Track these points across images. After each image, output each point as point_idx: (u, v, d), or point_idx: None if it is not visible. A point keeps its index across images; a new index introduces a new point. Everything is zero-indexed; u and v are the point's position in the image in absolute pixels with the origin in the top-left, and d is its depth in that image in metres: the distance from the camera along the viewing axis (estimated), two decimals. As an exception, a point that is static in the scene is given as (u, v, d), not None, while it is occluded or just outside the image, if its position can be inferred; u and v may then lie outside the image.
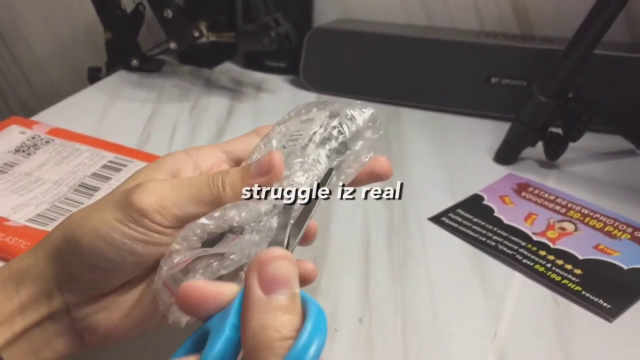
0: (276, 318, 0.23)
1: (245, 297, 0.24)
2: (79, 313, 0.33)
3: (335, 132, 0.35)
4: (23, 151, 0.61)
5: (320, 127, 0.35)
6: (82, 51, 1.08)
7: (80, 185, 0.57)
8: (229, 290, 0.26)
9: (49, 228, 0.50)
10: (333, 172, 0.34)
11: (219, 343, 0.24)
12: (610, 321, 0.44)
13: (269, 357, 0.23)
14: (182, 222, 0.32)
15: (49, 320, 0.33)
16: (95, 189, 0.56)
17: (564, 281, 0.48)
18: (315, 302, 0.25)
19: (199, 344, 0.25)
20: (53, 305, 0.33)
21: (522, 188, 0.61)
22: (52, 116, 0.73)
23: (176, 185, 0.33)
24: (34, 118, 0.71)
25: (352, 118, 0.36)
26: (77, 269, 0.32)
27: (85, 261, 0.32)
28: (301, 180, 0.33)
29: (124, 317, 0.34)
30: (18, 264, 0.34)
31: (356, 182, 0.37)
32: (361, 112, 0.37)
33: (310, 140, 0.35)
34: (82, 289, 0.33)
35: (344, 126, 0.36)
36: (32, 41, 1.12)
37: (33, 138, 0.64)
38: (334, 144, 0.35)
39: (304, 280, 0.36)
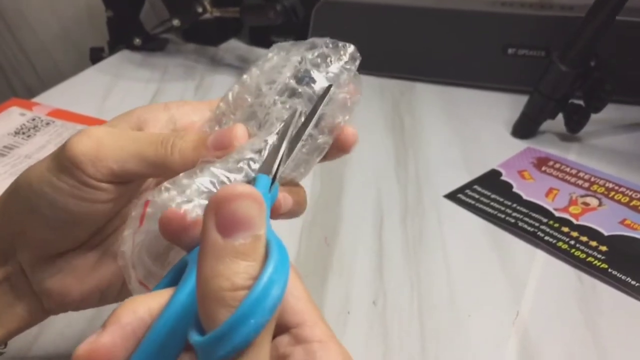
0: (230, 265, 0.20)
1: (201, 239, 0.21)
2: (34, 275, 0.31)
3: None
4: (23, 133, 0.60)
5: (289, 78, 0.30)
6: (86, 32, 1.06)
7: (81, 167, 0.55)
8: None
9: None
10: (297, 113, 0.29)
11: (194, 277, 0.21)
12: (639, 299, 0.42)
13: (219, 309, 0.19)
14: (119, 178, 0.29)
15: (6, 283, 0.31)
16: (97, 171, 0.54)
17: (589, 259, 0.45)
18: (279, 243, 0.21)
19: (179, 277, 0.23)
20: (7, 268, 0.31)
21: (542, 162, 0.58)
22: (53, 97, 0.71)
23: (121, 137, 0.29)
24: (35, 99, 0.70)
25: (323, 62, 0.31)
26: (20, 225, 0.30)
27: (25, 217, 0.30)
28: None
29: (79, 283, 0.32)
30: None
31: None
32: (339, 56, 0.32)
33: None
34: (33, 249, 0.31)
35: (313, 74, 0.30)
36: (35, 24, 1.10)
37: (33, 120, 0.62)
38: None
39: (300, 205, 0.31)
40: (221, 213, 0.20)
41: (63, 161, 0.28)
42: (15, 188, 0.30)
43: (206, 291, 0.20)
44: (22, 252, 0.31)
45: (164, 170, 0.29)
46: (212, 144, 0.29)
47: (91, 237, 0.32)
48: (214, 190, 0.26)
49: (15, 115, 0.62)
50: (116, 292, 0.33)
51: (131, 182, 0.30)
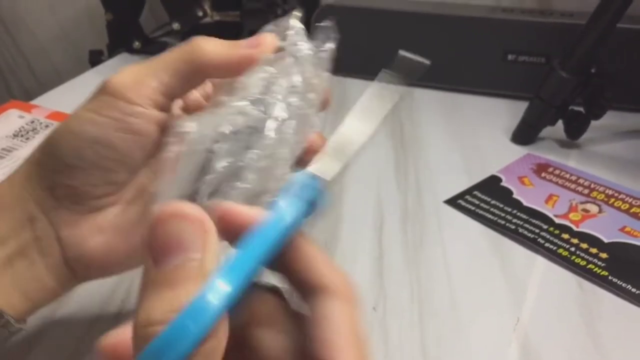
0: (152, 295, 0.17)
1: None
2: (70, 238, 0.30)
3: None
4: (22, 136, 0.59)
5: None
6: (85, 35, 1.06)
7: (80, 169, 0.54)
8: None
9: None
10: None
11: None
12: (639, 306, 0.42)
13: (135, 346, 0.17)
14: (161, 96, 0.29)
15: (35, 251, 0.30)
16: (96, 174, 0.54)
17: (589, 265, 0.45)
18: (238, 270, 0.18)
19: None
20: (37, 229, 0.30)
21: (541, 168, 0.58)
22: (52, 100, 0.71)
23: (152, 61, 0.30)
24: (34, 102, 0.69)
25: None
26: (55, 176, 0.29)
27: (62, 165, 0.29)
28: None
29: (124, 241, 0.30)
30: None
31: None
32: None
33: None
34: (66, 203, 0.30)
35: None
36: (33, 26, 1.10)
37: (32, 122, 0.62)
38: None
39: None
40: (154, 236, 0.18)
41: (104, 98, 0.28)
42: (48, 142, 0.30)
43: (133, 325, 0.18)
44: (57, 211, 0.30)
45: (197, 74, 0.29)
46: (246, 44, 0.29)
47: (134, 178, 0.31)
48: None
49: (14, 118, 0.62)
50: None
51: (168, 101, 0.30)
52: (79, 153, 0.29)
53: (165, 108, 0.30)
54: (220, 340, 0.18)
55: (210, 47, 0.29)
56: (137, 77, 0.29)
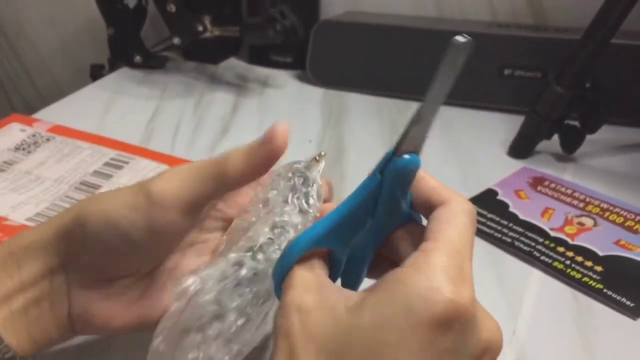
0: None
1: None
2: (80, 298, 0.32)
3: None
4: (23, 149, 0.60)
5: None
6: (86, 49, 1.07)
7: (81, 183, 0.55)
8: None
9: (48, 227, 0.49)
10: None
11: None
12: (634, 319, 0.42)
13: None
14: (188, 204, 0.31)
15: (47, 301, 0.32)
16: (97, 187, 0.54)
17: (585, 279, 0.46)
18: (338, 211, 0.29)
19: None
20: (54, 283, 0.32)
21: (537, 182, 0.59)
22: (53, 114, 0.71)
23: (184, 168, 0.32)
24: (35, 115, 0.70)
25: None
26: (82, 249, 0.32)
27: (90, 243, 0.31)
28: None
29: (125, 310, 0.33)
30: (19, 240, 0.33)
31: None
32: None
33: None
34: (86, 271, 0.32)
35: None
36: (35, 39, 1.11)
37: (34, 136, 0.62)
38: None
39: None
40: None
41: (142, 197, 0.31)
42: (81, 215, 0.32)
43: None
44: (73, 272, 0.32)
45: (222, 181, 0.32)
46: (258, 142, 0.31)
47: (144, 266, 0.33)
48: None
49: (15, 131, 0.63)
50: (153, 324, 0.33)
51: (199, 208, 0.33)
52: (111, 242, 0.31)
53: (193, 213, 0.33)
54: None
55: (231, 164, 0.31)
56: (174, 185, 0.31)
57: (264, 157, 0.31)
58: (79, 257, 0.32)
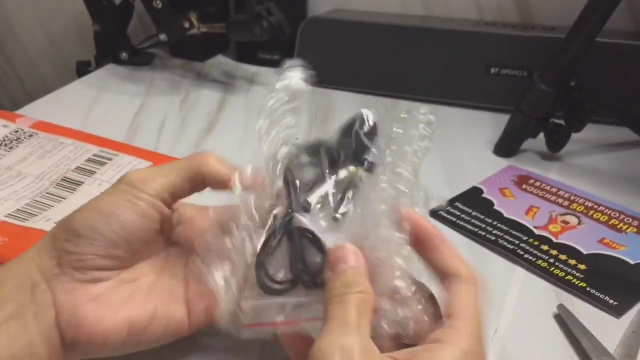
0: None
1: None
2: (66, 303, 0.33)
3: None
4: (5, 145, 0.59)
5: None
6: (74, 47, 1.06)
7: (63, 179, 0.54)
8: None
9: (29, 224, 0.48)
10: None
11: None
12: (618, 318, 0.42)
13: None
14: (167, 193, 0.35)
15: (31, 314, 0.32)
16: (79, 184, 0.54)
17: (568, 277, 0.46)
18: None
19: None
20: (37, 294, 0.32)
21: (523, 180, 0.59)
22: (38, 110, 0.71)
23: (164, 165, 0.37)
24: (20, 112, 0.69)
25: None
26: (64, 245, 0.33)
27: (74, 235, 0.33)
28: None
29: (113, 313, 0.33)
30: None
31: None
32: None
33: None
34: (68, 271, 0.33)
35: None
36: (23, 37, 1.10)
37: (16, 132, 0.62)
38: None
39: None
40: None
41: (121, 185, 0.35)
42: (68, 217, 0.34)
43: None
44: (58, 278, 0.33)
45: (201, 179, 0.36)
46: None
47: (130, 262, 0.35)
48: None
49: (-2, 127, 0.62)
50: (144, 331, 0.34)
51: (176, 198, 0.36)
52: (92, 224, 0.34)
53: (169, 204, 0.36)
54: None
55: (212, 162, 0.36)
56: (150, 174, 0.36)
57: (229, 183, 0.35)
58: (61, 257, 0.33)
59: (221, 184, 0.35)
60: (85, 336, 0.33)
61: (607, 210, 0.54)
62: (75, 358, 0.34)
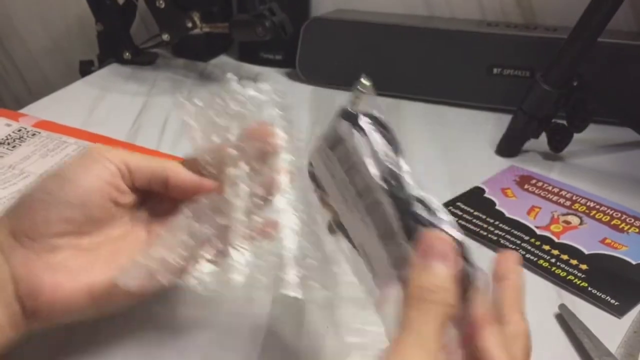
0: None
1: None
2: (24, 274, 0.33)
3: None
4: (8, 144, 0.59)
5: None
6: (76, 46, 1.06)
7: (65, 178, 0.55)
8: None
9: (31, 222, 0.48)
10: None
11: None
12: (619, 318, 0.42)
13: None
14: (127, 167, 0.36)
15: None
16: (81, 182, 0.54)
17: (569, 277, 0.46)
18: None
19: None
20: None
21: (524, 180, 0.59)
22: (41, 109, 0.71)
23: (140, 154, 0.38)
24: (23, 111, 0.70)
25: None
26: (18, 213, 0.34)
27: (27, 202, 0.34)
28: None
29: (71, 279, 0.34)
30: None
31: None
32: None
33: None
34: (24, 241, 0.33)
35: None
36: (25, 36, 1.10)
37: (19, 131, 0.62)
38: None
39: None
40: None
41: (84, 150, 0.36)
42: (24, 189, 0.35)
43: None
44: (14, 250, 0.33)
45: (164, 180, 0.37)
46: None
47: (87, 228, 0.35)
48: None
49: (1, 126, 0.62)
50: (104, 297, 0.34)
51: (135, 181, 0.37)
52: (46, 185, 0.34)
53: (127, 181, 0.37)
54: None
55: (181, 170, 0.37)
56: (117, 149, 0.37)
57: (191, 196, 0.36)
58: (15, 227, 0.33)
59: (182, 192, 0.37)
60: (45, 304, 0.33)
61: (608, 210, 0.54)
62: (40, 325, 0.34)
